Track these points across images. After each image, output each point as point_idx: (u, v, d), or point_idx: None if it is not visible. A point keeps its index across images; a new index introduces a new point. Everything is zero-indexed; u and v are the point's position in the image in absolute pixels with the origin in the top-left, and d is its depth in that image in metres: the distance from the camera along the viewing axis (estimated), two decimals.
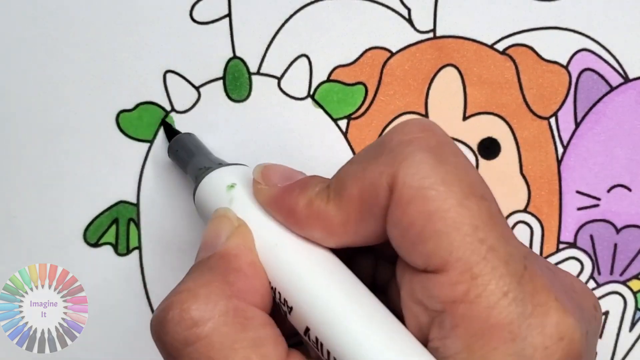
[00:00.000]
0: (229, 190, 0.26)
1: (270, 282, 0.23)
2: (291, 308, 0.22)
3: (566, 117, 0.33)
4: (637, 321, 0.33)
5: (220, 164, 0.28)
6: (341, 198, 0.23)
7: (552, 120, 0.33)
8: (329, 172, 0.32)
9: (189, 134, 0.32)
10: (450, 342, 0.20)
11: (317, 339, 0.21)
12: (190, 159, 0.30)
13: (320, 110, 0.33)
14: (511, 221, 0.33)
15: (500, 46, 0.33)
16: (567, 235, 0.33)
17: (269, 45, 0.32)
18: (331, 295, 0.22)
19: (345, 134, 0.33)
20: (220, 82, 0.33)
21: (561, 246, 0.33)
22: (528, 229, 0.33)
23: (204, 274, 0.23)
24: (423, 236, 0.21)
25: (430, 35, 0.33)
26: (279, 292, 0.23)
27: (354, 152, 0.33)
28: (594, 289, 0.33)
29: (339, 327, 0.21)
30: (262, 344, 0.22)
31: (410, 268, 0.22)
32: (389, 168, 0.21)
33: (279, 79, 0.33)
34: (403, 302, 0.22)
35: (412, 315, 0.22)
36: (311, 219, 0.23)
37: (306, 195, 0.24)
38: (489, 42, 0.33)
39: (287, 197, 0.24)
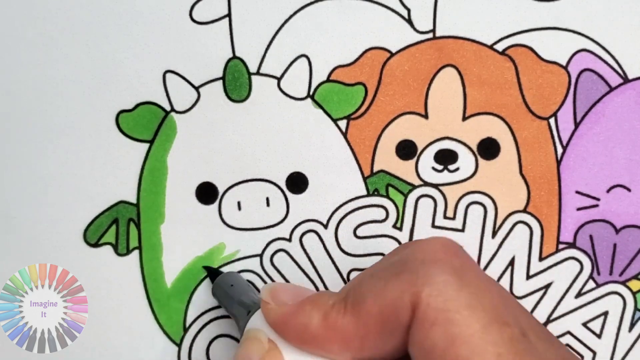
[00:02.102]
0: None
1: None
2: None
3: (566, 118, 0.33)
4: (637, 321, 0.33)
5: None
6: (360, 312, 0.23)
7: (552, 120, 0.33)
8: (328, 173, 0.33)
9: (229, 274, 0.32)
10: None
11: None
12: (232, 304, 0.30)
13: (320, 111, 0.33)
14: (511, 221, 0.33)
15: (500, 46, 0.33)
16: (567, 236, 0.33)
17: (268, 46, 0.32)
18: None
19: (345, 134, 0.33)
20: (220, 82, 0.33)
21: (560, 246, 0.33)
22: (527, 229, 0.33)
23: None
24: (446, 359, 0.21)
25: (430, 35, 0.33)
26: None
27: (353, 152, 0.33)
28: (593, 289, 0.33)
29: None
30: None
31: None
32: (412, 287, 0.21)
33: (279, 79, 0.33)
34: None
35: None
36: (328, 333, 0.23)
37: (320, 309, 0.23)
38: (489, 43, 0.33)
39: (300, 314, 0.24)
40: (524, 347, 0.21)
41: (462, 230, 0.33)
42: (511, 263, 0.33)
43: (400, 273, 0.22)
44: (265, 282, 0.33)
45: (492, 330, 0.21)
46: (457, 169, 0.33)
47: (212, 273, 0.32)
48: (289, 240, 0.33)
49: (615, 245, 0.33)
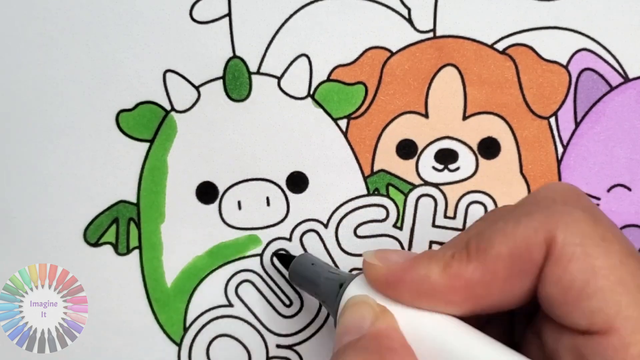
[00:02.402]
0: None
1: None
2: None
3: (566, 117, 0.33)
4: None
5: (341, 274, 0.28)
6: (487, 256, 0.22)
7: (552, 119, 0.33)
8: (328, 172, 0.32)
9: (305, 255, 0.31)
10: None
11: None
12: (319, 280, 0.29)
13: (320, 110, 0.33)
14: None
15: (500, 46, 0.33)
16: None
17: (269, 45, 0.32)
18: None
19: (345, 134, 0.33)
20: (220, 81, 0.33)
21: None
22: None
23: (359, 355, 0.22)
24: (587, 293, 0.20)
25: (430, 35, 0.33)
26: None
27: (354, 152, 0.33)
28: None
29: None
30: None
31: (569, 332, 0.21)
32: (546, 225, 0.21)
33: (279, 78, 0.33)
34: None
35: None
36: (451, 282, 0.22)
37: (440, 261, 0.23)
38: (489, 42, 0.33)
39: (416, 268, 0.23)
40: None
41: (463, 229, 0.33)
42: None
43: (532, 213, 0.22)
44: (265, 282, 0.33)
45: (630, 262, 0.21)
46: (457, 169, 0.33)
47: (284, 258, 0.32)
48: (289, 239, 0.33)
49: None
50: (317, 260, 0.30)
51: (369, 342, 0.23)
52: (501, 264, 0.22)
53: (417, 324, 0.23)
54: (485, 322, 0.25)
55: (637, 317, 0.20)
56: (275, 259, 0.32)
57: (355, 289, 0.25)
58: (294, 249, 0.33)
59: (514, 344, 0.24)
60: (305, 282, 0.30)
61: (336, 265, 0.33)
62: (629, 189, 0.33)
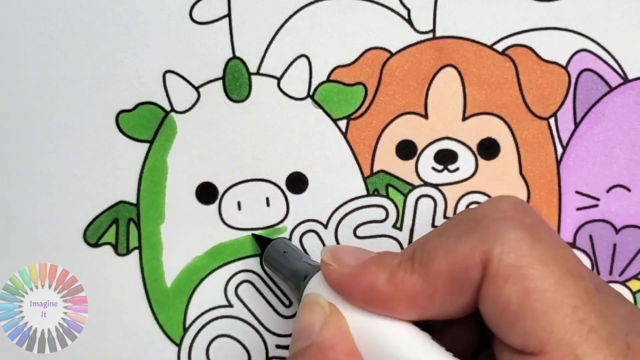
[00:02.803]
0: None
1: None
2: None
3: (565, 118, 0.33)
4: None
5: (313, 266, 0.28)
6: (428, 270, 0.22)
7: (552, 120, 0.33)
8: (328, 173, 0.32)
9: (280, 240, 0.32)
10: None
11: None
12: (286, 270, 0.30)
13: (320, 111, 0.33)
14: None
15: (500, 46, 0.33)
16: (567, 236, 0.33)
17: (268, 46, 0.32)
18: None
19: (345, 134, 0.33)
20: (220, 82, 0.33)
21: None
22: None
23: None
24: (520, 315, 0.20)
25: (430, 35, 0.33)
26: None
27: (353, 152, 0.33)
28: None
29: None
30: None
31: (509, 349, 0.21)
32: (483, 245, 0.21)
33: (279, 79, 0.33)
34: None
35: None
36: (395, 292, 0.23)
37: (386, 268, 0.23)
38: (489, 43, 0.33)
39: (364, 273, 0.23)
40: (599, 299, 0.21)
41: None
42: None
43: (472, 231, 0.22)
44: (265, 283, 0.33)
45: (567, 283, 0.21)
46: (457, 169, 0.33)
47: (262, 242, 0.32)
48: (289, 240, 0.33)
49: (615, 245, 0.33)
50: (292, 248, 0.31)
51: (314, 354, 0.23)
52: (441, 279, 0.22)
53: (366, 328, 0.24)
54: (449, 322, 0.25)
55: (569, 339, 0.20)
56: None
57: (315, 285, 0.26)
58: None
59: (483, 340, 0.25)
60: (275, 270, 0.31)
61: None
62: (629, 190, 0.33)
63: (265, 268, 0.32)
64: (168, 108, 0.33)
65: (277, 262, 0.30)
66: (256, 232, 0.32)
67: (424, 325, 0.24)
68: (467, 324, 0.25)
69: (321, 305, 0.25)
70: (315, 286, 0.26)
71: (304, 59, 0.32)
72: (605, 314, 0.21)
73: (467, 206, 0.33)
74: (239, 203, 0.33)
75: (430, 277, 0.22)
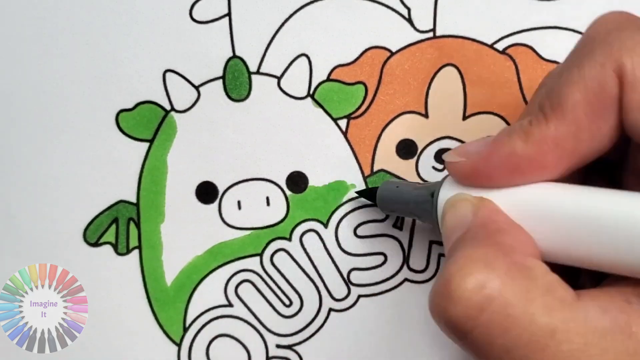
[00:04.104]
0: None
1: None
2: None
3: None
4: None
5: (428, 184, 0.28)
6: (563, 109, 0.21)
7: None
8: (328, 172, 0.32)
9: (388, 181, 0.31)
10: None
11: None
12: (409, 197, 0.29)
13: (320, 110, 0.33)
14: None
15: (500, 46, 0.33)
16: None
17: (268, 45, 0.32)
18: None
19: (345, 134, 0.33)
20: (220, 81, 0.33)
21: None
22: None
23: (469, 245, 0.21)
24: None
25: (430, 34, 0.33)
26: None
27: (353, 152, 0.33)
28: None
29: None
30: (555, 288, 0.20)
31: None
32: (610, 56, 0.21)
33: (279, 78, 0.33)
34: None
35: None
36: (539, 147, 0.22)
37: (520, 133, 0.22)
38: (489, 42, 0.33)
39: (499, 149, 0.22)
40: None
41: None
42: None
43: (592, 51, 0.21)
44: (265, 282, 0.33)
45: None
46: None
47: (366, 193, 0.32)
48: (289, 239, 0.33)
49: None
50: (399, 182, 0.31)
51: (477, 231, 0.22)
52: (581, 111, 0.21)
53: (517, 200, 0.23)
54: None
55: None
56: (358, 197, 0.32)
57: (447, 192, 0.25)
58: (294, 249, 0.33)
59: None
60: (396, 206, 0.30)
61: (335, 266, 0.32)
62: None
63: (385, 213, 0.31)
64: (168, 107, 0.33)
65: (396, 199, 0.29)
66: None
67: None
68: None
69: (466, 199, 0.24)
70: (449, 193, 0.25)
71: (304, 58, 0.33)
72: None
73: None
74: (239, 202, 0.33)
75: (569, 114, 0.21)
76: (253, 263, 0.33)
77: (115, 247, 0.33)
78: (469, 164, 0.23)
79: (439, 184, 0.26)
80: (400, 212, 0.30)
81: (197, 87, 0.33)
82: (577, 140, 0.22)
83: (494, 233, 0.22)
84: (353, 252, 0.33)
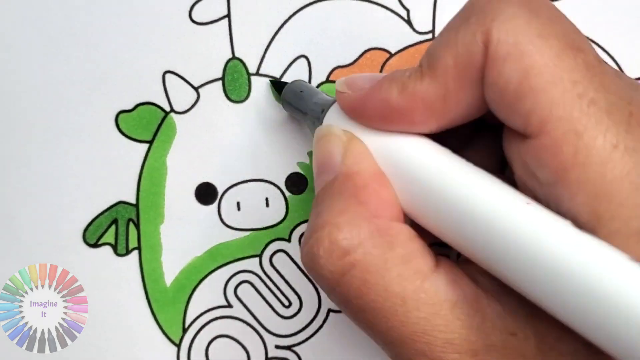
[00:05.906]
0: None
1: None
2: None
3: None
4: None
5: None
6: (436, 70, 0.21)
7: None
8: None
9: (296, 81, 0.31)
10: (573, 214, 0.19)
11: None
12: (305, 108, 0.29)
13: None
14: None
15: None
16: None
17: (268, 46, 0.32)
18: (471, 186, 0.21)
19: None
20: (220, 82, 0.33)
21: None
22: None
23: (337, 202, 0.22)
24: (520, 94, 0.20)
25: (430, 36, 0.33)
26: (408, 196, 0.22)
27: None
28: None
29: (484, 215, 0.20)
30: (412, 258, 0.21)
31: (514, 136, 0.21)
32: (482, 26, 0.20)
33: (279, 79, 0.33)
34: (517, 178, 0.21)
35: (529, 193, 0.20)
36: (409, 102, 0.22)
37: (398, 82, 0.22)
38: None
39: (377, 92, 0.23)
40: (600, 70, 0.20)
41: None
42: None
43: (468, 18, 0.21)
44: (264, 283, 0.33)
45: (566, 56, 0.20)
46: None
47: (279, 85, 0.31)
48: (289, 240, 0.33)
49: None
50: (308, 87, 0.30)
51: (343, 185, 0.23)
52: (450, 75, 0.21)
53: (387, 147, 0.23)
54: (469, 140, 0.25)
55: (568, 115, 0.19)
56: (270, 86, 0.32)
57: (332, 116, 0.25)
58: (293, 249, 0.33)
59: (501, 161, 0.24)
60: (295, 111, 0.30)
61: None
62: None
63: (286, 110, 0.32)
64: (167, 108, 0.33)
65: (295, 101, 0.30)
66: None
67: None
68: (487, 145, 0.25)
69: (336, 134, 0.24)
70: (333, 118, 0.25)
71: (303, 60, 0.32)
72: (606, 85, 0.20)
73: None
74: (238, 203, 0.33)
75: (440, 77, 0.21)
76: (252, 264, 0.33)
77: (114, 248, 0.33)
78: (350, 98, 0.24)
79: (329, 105, 0.26)
80: (299, 117, 0.30)
81: (196, 89, 0.33)
82: (445, 103, 0.22)
83: (360, 190, 0.23)
84: None
